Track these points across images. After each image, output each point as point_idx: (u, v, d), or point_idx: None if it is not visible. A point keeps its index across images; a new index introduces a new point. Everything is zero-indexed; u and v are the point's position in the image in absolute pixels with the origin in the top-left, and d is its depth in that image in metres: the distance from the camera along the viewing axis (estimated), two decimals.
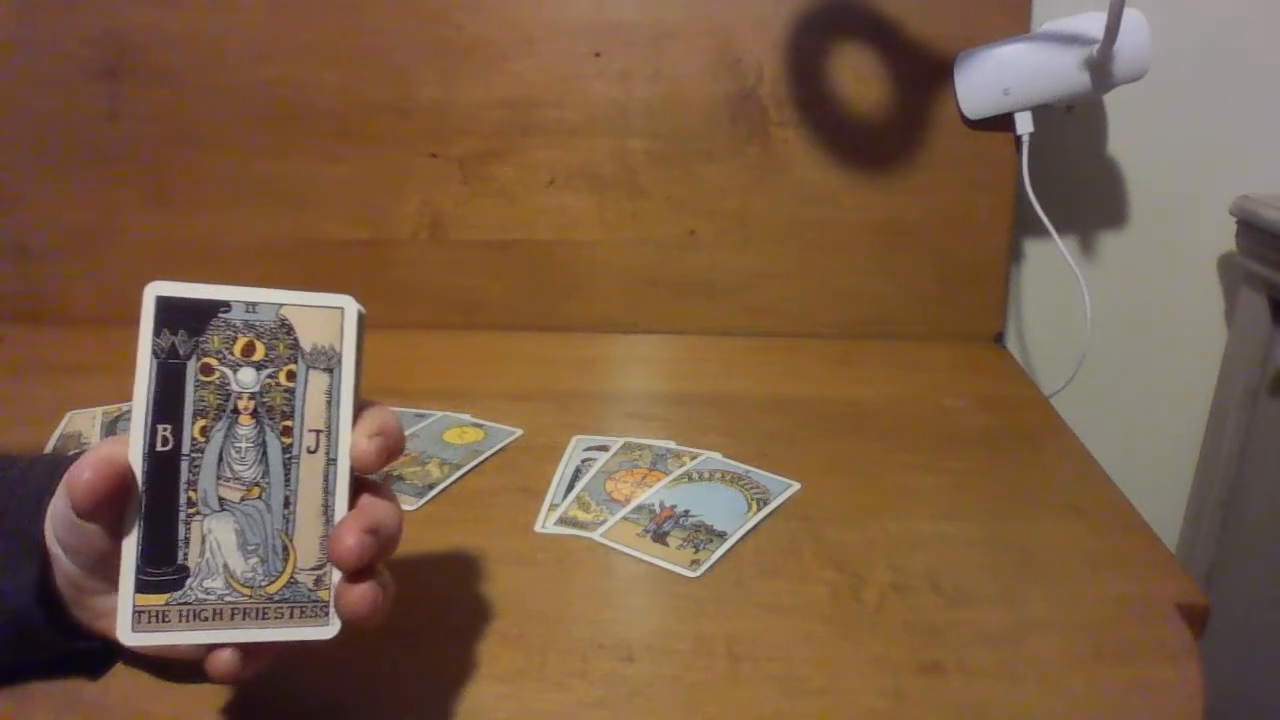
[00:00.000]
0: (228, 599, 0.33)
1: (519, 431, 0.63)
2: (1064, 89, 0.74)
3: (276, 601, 0.33)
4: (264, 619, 0.33)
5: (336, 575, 0.34)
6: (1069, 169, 0.85)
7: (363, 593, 0.33)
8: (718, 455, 0.60)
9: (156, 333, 0.32)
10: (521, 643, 0.42)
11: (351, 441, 0.34)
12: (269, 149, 0.79)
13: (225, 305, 0.33)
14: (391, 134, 0.79)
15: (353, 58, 0.78)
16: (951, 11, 0.76)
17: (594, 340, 0.81)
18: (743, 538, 0.51)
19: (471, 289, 0.82)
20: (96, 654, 0.38)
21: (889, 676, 0.41)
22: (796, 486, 0.56)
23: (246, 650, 0.34)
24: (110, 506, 0.32)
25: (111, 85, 0.79)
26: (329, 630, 0.34)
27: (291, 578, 0.33)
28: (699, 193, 0.79)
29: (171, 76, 0.78)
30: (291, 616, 0.33)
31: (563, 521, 0.53)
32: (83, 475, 0.31)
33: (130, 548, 0.32)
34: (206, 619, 0.33)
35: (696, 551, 0.49)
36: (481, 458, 0.59)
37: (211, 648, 0.33)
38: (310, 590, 0.34)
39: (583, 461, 0.59)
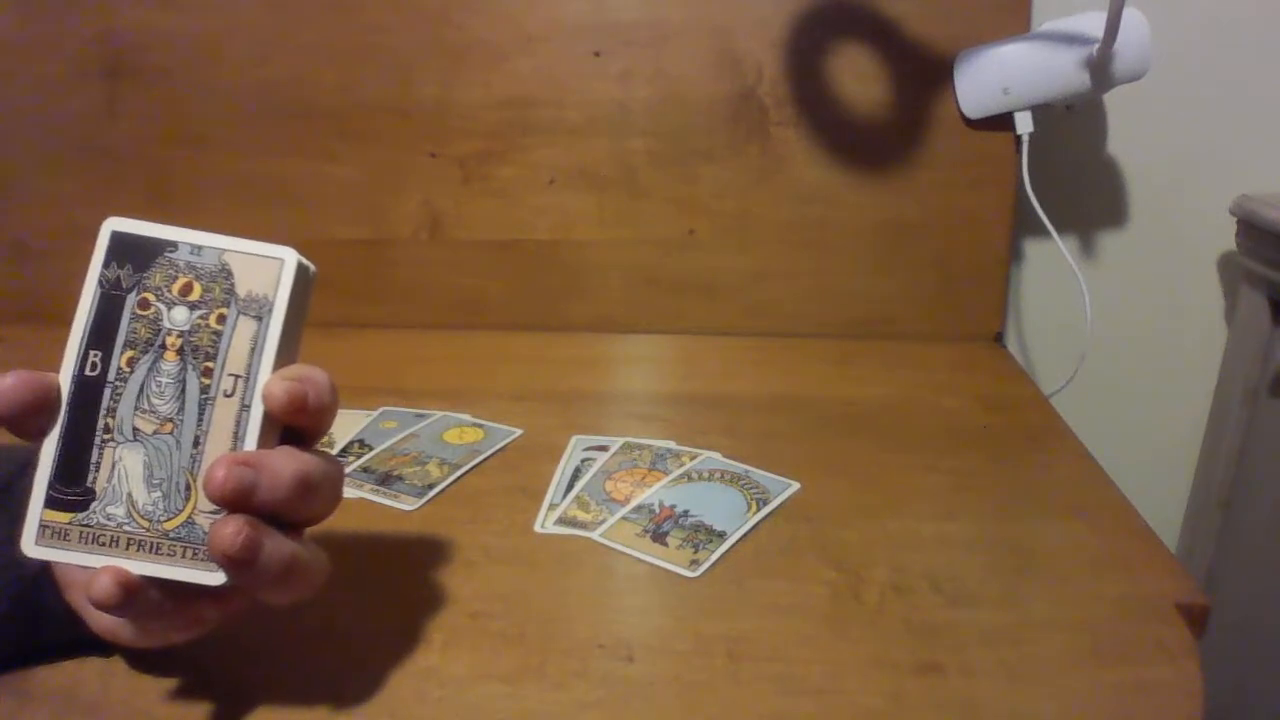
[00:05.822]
0: (126, 528, 0.33)
1: (519, 431, 0.63)
2: (1064, 88, 0.74)
3: (171, 539, 0.33)
4: (157, 554, 0.33)
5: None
6: (1069, 169, 0.85)
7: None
8: (717, 455, 0.60)
9: (105, 265, 0.35)
10: (521, 643, 0.42)
11: (266, 382, 0.34)
12: (269, 149, 0.79)
13: (172, 245, 0.35)
14: (391, 134, 0.79)
15: (353, 58, 0.78)
16: (951, 11, 0.76)
17: (594, 340, 0.81)
18: (742, 538, 0.51)
19: (471, 289, 0.82)
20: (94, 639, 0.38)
21: (888, 676, 0.40)
22: (796, 486, 0.56)
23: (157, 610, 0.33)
24: (30, 417, 0.33)
25: (111, 85, 0.79)
26: (215, 578, 0.33)
27: (189, 518, 0.33)
28: (699, 193, 0.79)
29: (171, 76, 0.78)
30: (183, 556, 0.33)
31: (562, 521, 0.52)
32: (6, 379, 0.32)
33: (46, 464, 0.33)
34: (103, 544, 0.33)
35: (696, 551, 0.49)
36: (481, 458, 0.59)
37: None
38: (206, 534, 0.33)
39: (582, 461, 0.59)
